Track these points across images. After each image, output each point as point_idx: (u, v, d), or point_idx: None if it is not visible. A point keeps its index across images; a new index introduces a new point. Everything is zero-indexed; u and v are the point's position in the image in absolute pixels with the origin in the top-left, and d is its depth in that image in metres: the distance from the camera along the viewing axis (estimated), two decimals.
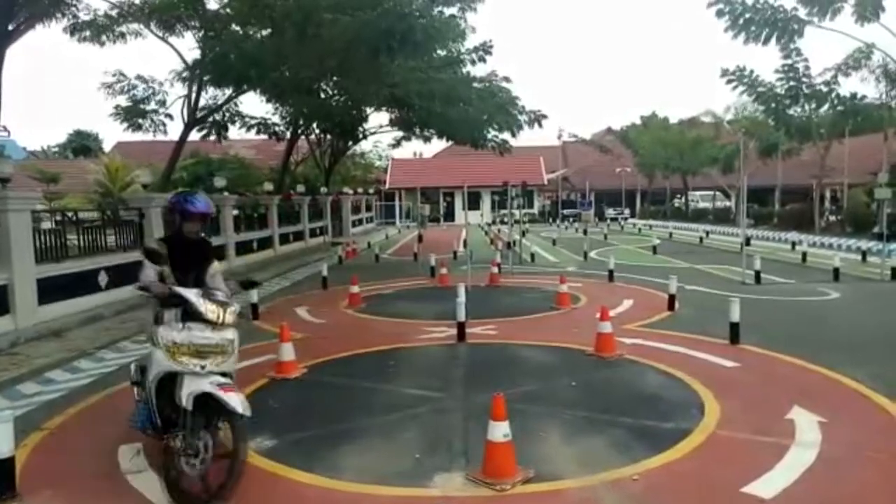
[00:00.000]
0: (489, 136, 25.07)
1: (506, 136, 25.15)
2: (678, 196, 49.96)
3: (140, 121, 19.98)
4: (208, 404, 3.98)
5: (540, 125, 24.32)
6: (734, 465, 4.49)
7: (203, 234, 4.86)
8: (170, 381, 4.12)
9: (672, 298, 10.78)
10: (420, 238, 21.57)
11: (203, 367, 4.05)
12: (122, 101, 19.85)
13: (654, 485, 4.22)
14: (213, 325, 4.12)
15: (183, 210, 4.51)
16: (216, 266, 4.79)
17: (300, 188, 28.89)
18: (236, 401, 3.93)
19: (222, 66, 17.51)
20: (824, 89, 21.69)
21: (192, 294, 4.18)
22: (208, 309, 4.14)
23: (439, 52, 20.01)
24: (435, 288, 14.02)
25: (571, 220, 43.01)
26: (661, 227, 37.23)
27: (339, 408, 6.00)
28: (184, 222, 4.53)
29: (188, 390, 3.95)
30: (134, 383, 4.88)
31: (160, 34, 19.07)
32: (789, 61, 20.13)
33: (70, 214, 12.99)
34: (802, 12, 17.75)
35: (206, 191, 23.64)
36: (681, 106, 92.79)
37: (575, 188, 50.84)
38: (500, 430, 4.25)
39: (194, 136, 21.30)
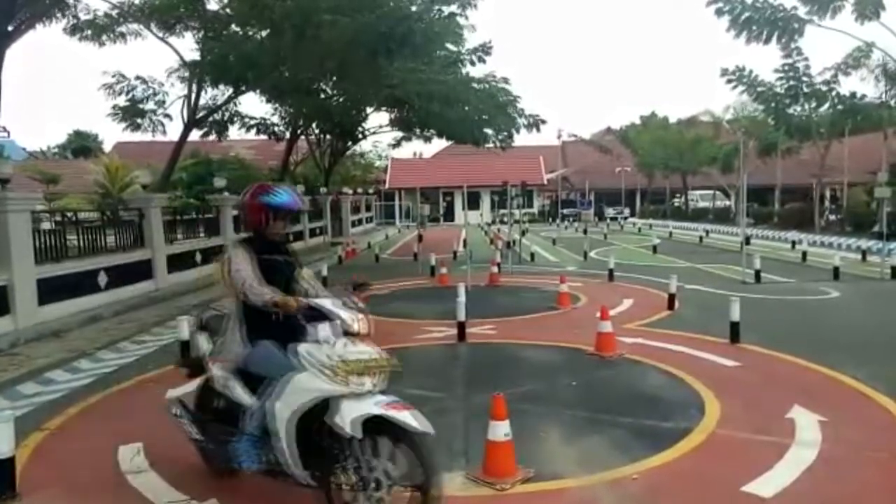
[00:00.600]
0: (489, 133, 25.10)
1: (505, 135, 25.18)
2: (678, 195, 49.98)
3: (139, 120, 19.97)
4: (371, 428, 3.42)
5: (538, 130, 24.41)
6: (734, 464, 4.48)
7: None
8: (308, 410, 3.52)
9: (672, 298, 10.77)
10: (420, 238, 21.55)
11: (375, 386, 3.50)
12: (122, 101, 19.87)
13: (654, 484, 4.22)
14: (355, 336, 3.60)
15: (274, 205, 3.87)
16: (307, 270, 4.22)
17: (300, 188, 28.85)
18: (412, 418, 3.37)
19: (221, 67, 17.52)
20: (824, 88, 21.71)
21: (329, 303, 3.65)
22: (354, 319, 3.59)
23: (439, 52, 20.02)
24: (435, 288, 14.01)
25: (571, 219, 43.00)
26: (660, 226, 37.23)
27: None
28: (271, 220, 3.90)
29: (352, 415, 3.35)
30: (196, 420, 4.17)
31: (160, 35, 19.07)
32: (790, 60, 20.15)
33: (70, 215, 12.99)
34: (802, 11, 17.77)
35: (206, 191, 23.80)
36: (682, 104, 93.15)
37: (574, 188, 50.84)
38: (500, 430, 4.24)
39: (194, 136, 21.31)
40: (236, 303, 3.90)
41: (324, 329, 3.58)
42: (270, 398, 3.56)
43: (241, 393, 3.82)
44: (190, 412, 4.25)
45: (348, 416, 3.35)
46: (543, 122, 23.97)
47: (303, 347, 3.55)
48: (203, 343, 4.20)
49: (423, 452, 3.42)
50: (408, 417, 3.38)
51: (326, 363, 3.45)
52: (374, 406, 3.39)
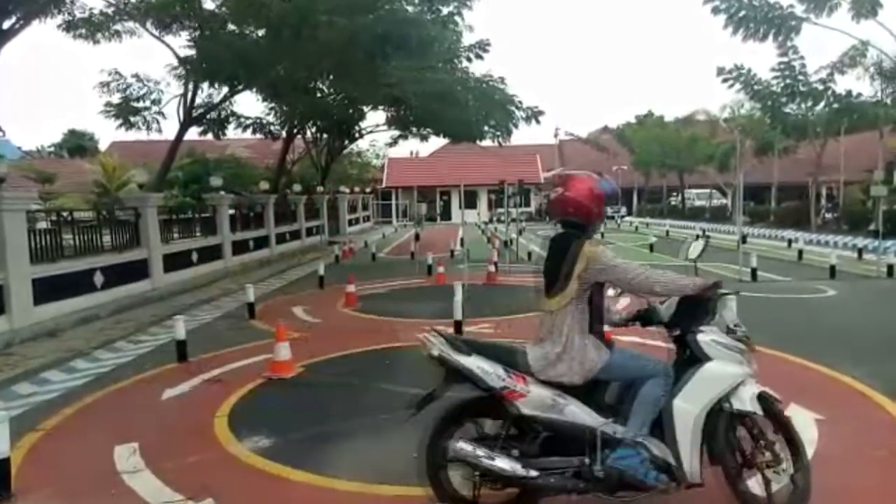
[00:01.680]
0: (486, 129, 25.09)
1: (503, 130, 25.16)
2: (674, 194, 50.02)
3: (133, 118, 19.90)
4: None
5: (538, 122, 24.34)
6: None
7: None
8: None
9: None
10: (417, 237, 21.51)
11: None
12: (116, 99, 19.79)
13: None
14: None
15: (611, 195, 3.71)
16: None
17: (296, 187, 28.85)
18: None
19: (213, 66, 17.45)
20: (820, 87, 21.71)
21: None
22: None
23: (437, 48, 20.01)
24: (432, 287, 14.00)
25: None
26: (657, 225, 37.27)
27: (336, 407, 5.98)
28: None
29: (750, 393, 3.46)
30: (524, 454, 3.57)
31: (156, 33, 19.01)
32: (786, 59, 20.16)
33: (65, 214, 12.94)
34: (799, 9, 17.79)
35: (202, 190, 23.76)
36: (678, 103, 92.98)
37: None
38: None
39: (192, 135, 21.25)
40: (578, 306, 3.53)
41: (730, 311, 3.63)
42: (669, 398, 3.40)
43: (577, 410, 3.45)
44: (499, 447, 3.66)
45: (748, 396, 3.43)
46: (541, 113, 23.90)
47: (710, 335, 3.50)
48: (491, 366, 3.70)
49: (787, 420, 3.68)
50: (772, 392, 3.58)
51: (741, 345, 3.52)
52: (756, 385, 3.51)
